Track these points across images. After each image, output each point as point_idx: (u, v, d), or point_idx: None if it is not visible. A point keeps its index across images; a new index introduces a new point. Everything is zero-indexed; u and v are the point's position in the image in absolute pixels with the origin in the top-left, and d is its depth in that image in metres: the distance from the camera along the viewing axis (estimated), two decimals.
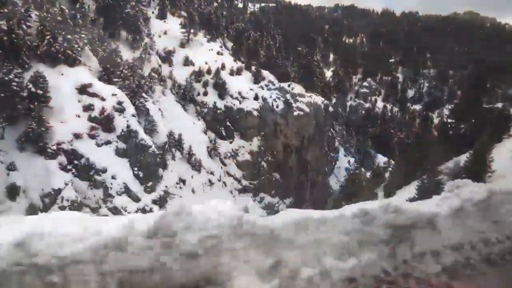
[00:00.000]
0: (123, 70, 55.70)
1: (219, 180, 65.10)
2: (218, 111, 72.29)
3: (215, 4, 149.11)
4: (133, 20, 71.41)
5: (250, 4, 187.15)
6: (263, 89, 76.73)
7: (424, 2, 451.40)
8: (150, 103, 56.68)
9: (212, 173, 64.32)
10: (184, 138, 62.47)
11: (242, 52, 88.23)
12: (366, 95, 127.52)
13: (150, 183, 45.94)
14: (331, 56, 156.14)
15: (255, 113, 72.86)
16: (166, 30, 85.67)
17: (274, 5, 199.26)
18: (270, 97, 74.96)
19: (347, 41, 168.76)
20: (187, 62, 78.93)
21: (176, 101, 70.33)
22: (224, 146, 71.12)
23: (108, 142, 42.89)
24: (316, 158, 72.19)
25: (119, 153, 43.81)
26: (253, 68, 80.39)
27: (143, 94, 53.47)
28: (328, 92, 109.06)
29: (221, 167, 67.78)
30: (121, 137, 44.00)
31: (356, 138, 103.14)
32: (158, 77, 70.54)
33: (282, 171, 73.00)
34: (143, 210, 39.85)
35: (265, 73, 79.60)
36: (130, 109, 45.28)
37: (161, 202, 44.82)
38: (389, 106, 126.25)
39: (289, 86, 76.95)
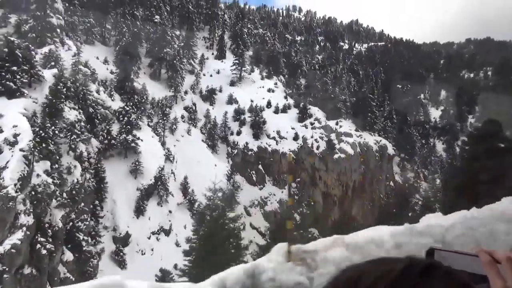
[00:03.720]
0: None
1: None
2: (249, 152, 63.74)
3: (317, 47, 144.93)
4: (172, 60, 70.01)
5: (357, 45, 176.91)
6: (306, 127, 65.57)
7: None
8: (146, 141, 51.91)
9: None
10: (194, 182, 55.49)
11: (298, 88, 79.10)
12: None
13: None
14: (442, 93, 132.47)
15: (291, 155, 61.72)
16: (219, 69, 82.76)
17: (383, 43, 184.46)
18: (312, 136, 63.21)
19: (466, 76, 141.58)
20: (230, 100, 73.59)
21: (202, 141, 64.68)
22: (253, 193, 61.58)
23: None
24: (364, 213, 56.33)
25: None
26: (301, 105, 70.23)
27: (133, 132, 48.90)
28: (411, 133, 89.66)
29: (239, 217, 57.85)
30: None
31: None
32: (189, 115, 66.55)
33: (321, 226, 58.91)
34: None
35: (313, 110, 68.49)
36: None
37: None
38: None
39: (337, 124, 63.99)
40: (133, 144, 48.48)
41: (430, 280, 0.66)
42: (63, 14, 62.01)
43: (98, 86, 53.98)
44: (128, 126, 48.74)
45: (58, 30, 57.57)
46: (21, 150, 29.07)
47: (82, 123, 41.60)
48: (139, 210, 45.32)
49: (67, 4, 63.54)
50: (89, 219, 37.75)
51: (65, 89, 39.88)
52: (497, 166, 18.06)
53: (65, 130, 36.89)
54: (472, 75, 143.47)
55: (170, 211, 49.72)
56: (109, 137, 47.05)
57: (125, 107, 52.16)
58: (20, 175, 27.74)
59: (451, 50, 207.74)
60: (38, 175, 30.17)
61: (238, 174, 63.01)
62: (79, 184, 35.79)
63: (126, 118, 49.71)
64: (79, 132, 39.15)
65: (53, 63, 44.52)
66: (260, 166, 63.20)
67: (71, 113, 39.78)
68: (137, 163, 47.51)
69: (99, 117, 47.54)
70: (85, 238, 35.20)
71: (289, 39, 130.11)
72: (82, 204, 36.42)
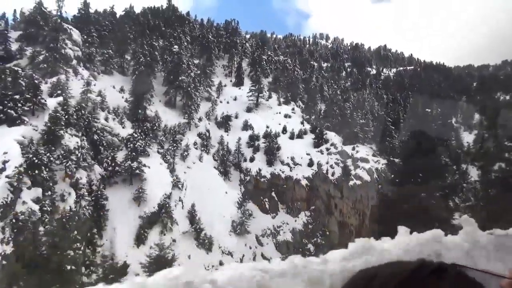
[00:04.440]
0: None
1: (241, 262, 52.53)
2: (262, 179, 61.76)
3: (343, 73, 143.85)
4: (187, 87, 70.38)
5: (385, 70, 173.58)
6: (322, 153, 63.03)
7: None
8: (154, 168, 51.26)
9: (230, 254, 52.64)
10: (202, 209, 53.93)
11: (316, 114, 77.11)
12: None
13: None
14: (476, 116, 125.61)
15: (305, 182, 59.28)
16: (236, 96, 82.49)
17: (412, 67, 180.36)
18: (327, 162, 60.53)
19: (501, 98, 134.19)
20: (246, 127, 72.58)
21: (214, 167, 63.46)
22: (265, 221, 59.12)
23: None
24: None
25: None
26: (317, 130, 67.99)
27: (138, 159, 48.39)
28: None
29: (250, 247, 55.40)
30: None
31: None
32: (201, 142, 65.93)
33: None
34: None
35: (329, 135, 66.03)
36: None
37: None
38: None
39: (353, 149, 61.07)
40: (138, 171, 47.85)
41: (440, 279, 0.68)
42: (81, 45, 64.40)
43: (108, 113, 54.60)
44: (134, 153, 48.33)
45: (75, 61, 59.57)
46: (6, 176, 28.78)
47: (84, 150, 41.50)
48: (140, 239, 44.03)
49: (85, 36, 65.98)
50: (83, 248, 36.74)
51: (66, 116, 40.11)
52: None
53: (61, 156, 36.74)
54: (508, 97, 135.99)
55: (174, 240, 48.10)
56: (113, 164, 46.73)
57: (134, 134, 52.11)
58: (2, 202, 27.27)
59: (486, 72, 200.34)
60: (24, 202, 29.69)
61: (251, 202, 60.88)
62: (72, 211, 35.10)
63: (132, 145, 49.45)
64: (77, 159, 38.90)
65: (59, 92, 45.33)
66: (273, 194, 60.92)
67: (71, 140, 39.81)
68: (140, 190, 46.67)
69: (104, 144, 47.52)
70: (74, 268, 34.04)
71: (314, 66, 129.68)
72: (75, 232, 35.53)
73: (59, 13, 56.47)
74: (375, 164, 56.76)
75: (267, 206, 60.43)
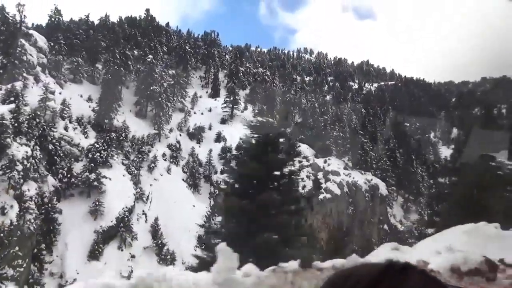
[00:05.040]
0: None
1: None
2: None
3: (326, 87, 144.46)
4: (158, 98, 68.67)
5: (367, 84, 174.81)
6: (294, 166, 61.45)
7: None
8: (116, 180, 49.03)
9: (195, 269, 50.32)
10: (167, 223, 51.74)
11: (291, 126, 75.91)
12: None
13: None
14: (454, 131, 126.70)
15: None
16: (211, 107, 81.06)
17: (393, 82, 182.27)
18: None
19: (479, 113, 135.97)
20: (219, 138, 70.97)
21: (183, 180, 61.49)
22: None
23: None
24: None
25: None
26: (290, 142, 66.56)
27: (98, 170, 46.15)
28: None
29: None
30: None
31: None
32: (171, 153, 64.02)
33: None
34: None
35: (302, 147, 64.58)
36: None
37: None
38: None
39: (325, 162, 59.85)
40: (96, 183, 45.59)
41: (406, 276, 0.77)
42: (47, 52, 62.34)
43: (69, 122, 52.48)
44: (92, 164, 46.13)
45: (39, 68, 57.44)
46: None
47: (35, 160, 39.24)
48: (94, 255, 41.57)
49: (51, 43, 64.01)
50: (26, 265, 34.26)
51: (16, 124, 37.95)
52: None
53: (4, 167, 34.48)
54: (484, 112, 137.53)
55: (133, 256, 45.74)
56: (69, 176, 44.44)
57: (95, 144, 49.96)
58: None
59: (465, 89, 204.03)
60: None
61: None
62: (13, 225, 32.72)
63: (91, 155, 47.29)
64: (26, 170, 36.63)
65: (12, 99, 43.15)
66: None
67: (20, 149, 37.56)
68: (98, 203, 44.37)
69: (61, 155, 45.27)
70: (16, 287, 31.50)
71: (295, 79, 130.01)
72: (17, 248, 33.15)
73: (22, 19, 54.29)
74: (346, 177, 55.51)
75: None
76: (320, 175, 57.15)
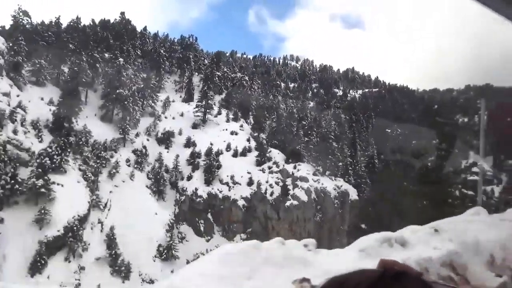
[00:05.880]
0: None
1: None
2: (198, 199, 57.25)
3: (310, 93, 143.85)
4: (124, 101, 65.99)
5: (351, 91, 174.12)
6: (263, 172, 59.21)
7: None
8: (68, 186, 46.06)
9: (151, 281, 47.31)
10: (124, 232, 48.78)
11: (265, 131, 73.84)
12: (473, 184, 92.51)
13: None
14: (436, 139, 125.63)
15: (242, 202, 55.06)
16: (183, 112, 78.53)
17: (377, 89, 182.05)
18: (267, 181, 56.68)
19: (460, 120, 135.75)
20: (188, 143, 68.41)
21: (147, 186, 58.67)
22: (199, 245, 54.28)
23: None
24: None
25: None
26: (263, 147, 64.38)
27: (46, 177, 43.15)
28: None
29: None
30: None
31: None
32: (136, 159, 61.21)
33: None
34: None
35: (273, 152, 62.43)
36: None
37: None
38: None
39: (295, 167, 57.55)
40: (43, 190, 42.58)
41: (402, 282, 0.80)
42: (5, 53, 59.48)
43: (22, 126, 49.58)
44: (40, 169, 43.19)
45: None
46: None
47: None
48: (36, 267, 38.46)
49: (10, 44, 61.19)
50: None
51: None
52: None
53: None
54: (466, 119, 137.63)
55: (82, 268, 42.67)
56: (13, 182, 41.42)
57: (47, 148, 47.01)
58: None
59: (448, 96, 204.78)
60: None
61: (185, 224, 56.26)
62: None
63: (40, 159, 44.33)
64: None
65: None
66: (209, 215, 56.42)
67: None
68: (44, 211, 41.34)
69: (5, 159, 42.27)
70: None
71: (279, 85, 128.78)
72: None
73: None
74: (314, 183, 53.20)
75: (202, 228, 55.78)
76: (288, 181, 54.80)
